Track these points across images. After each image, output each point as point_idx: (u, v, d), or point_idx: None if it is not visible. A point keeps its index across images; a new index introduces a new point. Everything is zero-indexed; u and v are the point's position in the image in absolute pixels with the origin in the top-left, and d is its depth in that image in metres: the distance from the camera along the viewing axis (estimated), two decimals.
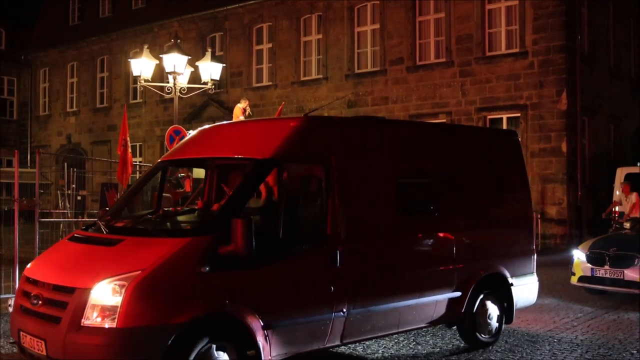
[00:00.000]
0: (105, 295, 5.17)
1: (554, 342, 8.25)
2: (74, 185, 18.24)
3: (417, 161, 7.45)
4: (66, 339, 5.17)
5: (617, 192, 16.85)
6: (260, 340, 5.64)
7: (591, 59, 21.10)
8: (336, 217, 6.30)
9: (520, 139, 9.25)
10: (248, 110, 16.45)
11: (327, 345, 6.33)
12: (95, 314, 5.16)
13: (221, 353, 5.47)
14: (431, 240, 7.44)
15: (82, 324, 5.17)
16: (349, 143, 6.74)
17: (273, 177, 6.29)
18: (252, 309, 5.63)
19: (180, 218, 6.90)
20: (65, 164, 20.08)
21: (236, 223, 5.42)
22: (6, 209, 17.51)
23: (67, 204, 18.31)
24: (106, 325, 5.11)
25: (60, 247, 6.52)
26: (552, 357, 7.53)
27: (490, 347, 7.84)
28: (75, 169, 18.39)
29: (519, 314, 8.85)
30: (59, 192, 22.08)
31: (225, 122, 7.80)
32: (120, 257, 5.55)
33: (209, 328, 5.44)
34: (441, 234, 7.48)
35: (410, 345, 7.97)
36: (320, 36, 24.47)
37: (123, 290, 5.12)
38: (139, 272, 5.21)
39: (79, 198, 19.83)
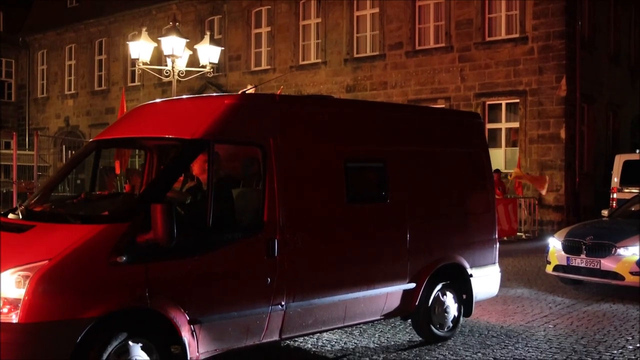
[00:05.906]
0: (8, 287, 4.75)
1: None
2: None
3: (369, 144, 6.98)
4: None
5: (615, 179, 16.83)
6: (186, 335, 5.29)
7: (591, 46, 21.04)
8: (274, 203, 5.87)
9: (482, 122, 8.73)
10: None
11: (264, 340, 5.94)
12: None
13: (140, 350, 5.08)
14: (382, 229, 6.91)
15: None
16: (291, 123, 6.26)
17: (203, 159, 5.78)
18: (176, 302, 5.25)
19: (100, 203, 6.39)
20: (64, 146, 20.09)
21: (155, 209, 4.99)
22: (4, 191, 17.54)
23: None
24: (8, 321, 4.68)
25: None
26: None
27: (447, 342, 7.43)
28: (73, 152, 18.39)
29: (482, 304, 8.35)
30: None
31: (161, 99, 7.47)
32: (27, 244, 5.11)
33: (127, 323, 5.06)
34: (393, 222, 7.00)
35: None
36: (319, 20, 24.34)
37: (27, 282, 4.70)
38: (46, 261, 4.80)
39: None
